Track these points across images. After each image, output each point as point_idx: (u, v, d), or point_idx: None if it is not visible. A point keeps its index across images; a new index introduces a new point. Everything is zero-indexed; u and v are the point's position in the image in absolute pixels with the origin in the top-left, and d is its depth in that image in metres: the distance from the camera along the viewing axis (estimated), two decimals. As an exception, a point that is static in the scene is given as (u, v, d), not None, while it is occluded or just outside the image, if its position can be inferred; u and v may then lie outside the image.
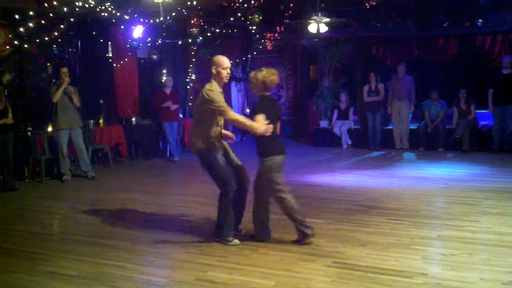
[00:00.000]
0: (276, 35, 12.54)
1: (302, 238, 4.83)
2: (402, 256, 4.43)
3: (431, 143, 11.23)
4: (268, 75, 4.85)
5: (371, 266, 4.20)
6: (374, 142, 11.80)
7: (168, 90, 11.05)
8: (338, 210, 6.21)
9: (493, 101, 10.50)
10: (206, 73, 12.93)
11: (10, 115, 8.10)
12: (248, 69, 14.80)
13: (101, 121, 10.54)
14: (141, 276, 4.20)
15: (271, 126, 4.72)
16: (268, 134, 4.71)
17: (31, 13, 8.71)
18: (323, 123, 12.97)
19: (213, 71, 5.06)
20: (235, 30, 12.49)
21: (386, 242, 4.84)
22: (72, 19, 9.13)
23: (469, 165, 9.15)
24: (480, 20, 11.02)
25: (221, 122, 5.11)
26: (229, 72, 5.11)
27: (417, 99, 11.76)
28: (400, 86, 11.51)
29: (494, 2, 10.65)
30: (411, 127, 11.62)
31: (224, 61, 5.05)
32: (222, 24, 11.82)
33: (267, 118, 4.72)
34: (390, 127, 11.98)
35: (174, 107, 10.86)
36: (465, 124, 10.72)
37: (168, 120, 10.87)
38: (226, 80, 5.09)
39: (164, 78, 11.98)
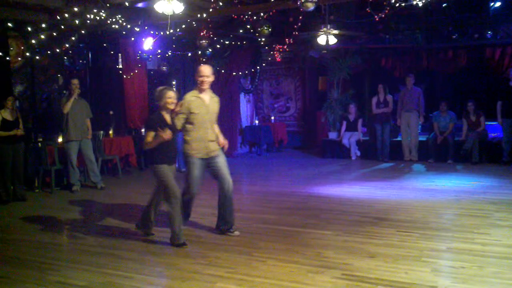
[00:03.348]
0: (285, 46, 12.57)
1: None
2: (412, 268, 4.40)
3: (440, 155, 11.18)
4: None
5: (380, 278, 4.18)
6: (383, 154, 11.77)
7: None
8: (347, 221, 6.19)
9: (502, 113, 10.46)
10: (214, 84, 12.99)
11: (21, 126, 8.17)
12: (257, 80, 14.86)
13: (111, 132, 10.60)
14: (150, 287, 4.21)
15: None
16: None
17: (43, 25, 8.81)
18: (332, 135, 12.96)
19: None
20: (244, 42, 12.55)
21: (396, 254, 4.81)
22: (83, 31, 9.22)
23: (479, 177, 9.09)
24: (489, 32, 11.01)
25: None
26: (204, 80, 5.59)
27: (426, 110, 11.74)
28: (409, 97, 11.48)
29: (503, 14, 10.64)
30: (420, 139, 11.58)
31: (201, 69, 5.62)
32: (231, 36, 11.88)
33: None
34: (399, 138, 11.94)
35: None
36: (475, 136, 10.67)
37: None
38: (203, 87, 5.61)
39: (173, 89, 11.99)
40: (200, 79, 5.56)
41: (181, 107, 5.51)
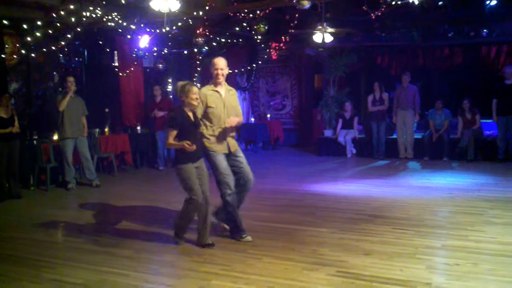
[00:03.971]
0: (281, 44, 12.60)
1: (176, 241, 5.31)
2: (407, 265, 4.42)
3: (435, 153, 11.22)
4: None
5: (375, 275, 4.19)
6: (379, 152, 11.80)
7: (158, 99, 11.07)
8: (342, 219, 6.20)
9: (497, 111, 10.50)
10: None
11: (16, 123, 8.15)
12: (253, 78, 14.87)
13: (106, 129, 10.59)
14: (146, 285, 4.21)
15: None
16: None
17: (39, 23, 8.79)
18: (328, 132, 12.99)
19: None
20: (241, 40, 12.56)
21: (391, 251, 4.83)
22: (79, 29, 9.21)
23: (474, 175, 9.13)
24: (485, 30, 11.05)
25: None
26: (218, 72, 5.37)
27: (421, 108, 11.78)
28: (405, 95, 11.52)
29: (499, 12, 10.68)
30: (415, 137, 11.62)
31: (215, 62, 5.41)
32: (227, 33, 11.89)
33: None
34: (394, 136, 11.98)
35: (159, 114, 10.84)
36: (470, 133, 10.71)
37: (158, 129, 10.88)
38: (218, 80, 5.39)
39: (170, 87, 12.00)
40: (215, 72, 5.34)
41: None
